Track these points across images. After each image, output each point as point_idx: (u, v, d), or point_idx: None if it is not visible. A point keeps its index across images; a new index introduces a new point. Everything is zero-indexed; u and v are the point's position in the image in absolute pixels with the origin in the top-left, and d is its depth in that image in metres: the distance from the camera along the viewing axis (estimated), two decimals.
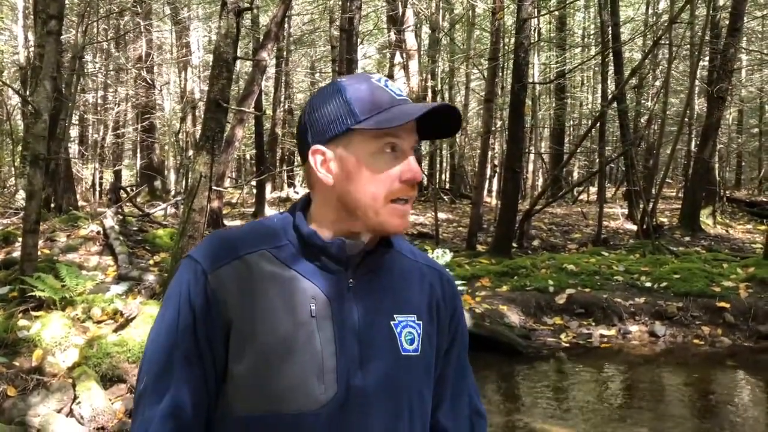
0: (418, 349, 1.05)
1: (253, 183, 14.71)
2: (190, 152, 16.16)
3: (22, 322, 4.35)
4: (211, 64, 5.53)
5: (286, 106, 19.95)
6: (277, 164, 18.04)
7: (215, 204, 10.19)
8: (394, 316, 1.04)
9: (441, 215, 12.87)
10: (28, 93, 8.97)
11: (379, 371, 1.01)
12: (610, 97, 11.53)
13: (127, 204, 10.72)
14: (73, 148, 17.88)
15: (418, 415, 1.06)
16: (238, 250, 1.02)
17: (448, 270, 1.32)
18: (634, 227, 11.68)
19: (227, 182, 12.37)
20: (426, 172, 18.04)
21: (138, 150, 18.91)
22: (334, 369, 0.97)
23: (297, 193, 17.63)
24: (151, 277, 5.72)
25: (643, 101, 15.73)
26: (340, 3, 12.41)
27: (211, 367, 0.99)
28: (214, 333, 0.98)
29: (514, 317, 6.25)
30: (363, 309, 1.02)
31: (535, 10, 11.15)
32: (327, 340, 0.98)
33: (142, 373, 1.01)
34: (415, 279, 1.10)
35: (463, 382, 1.18)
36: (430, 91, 19.23)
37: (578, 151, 17.02)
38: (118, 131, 19.15)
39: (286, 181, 19.64)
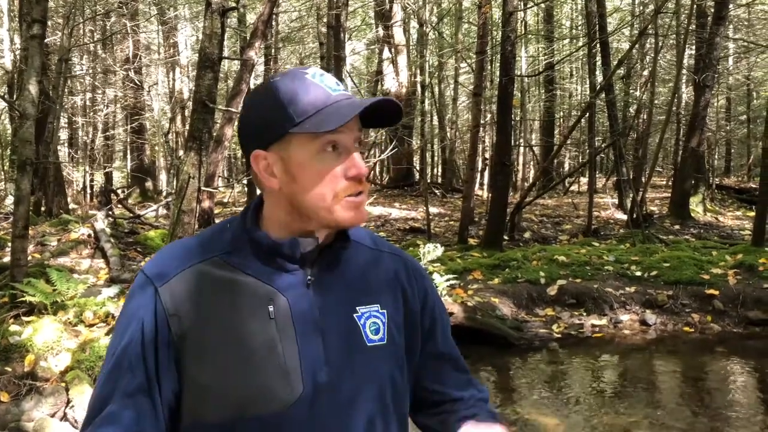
0: (384, 338, 1.05)
1: (245, 182, 14.68)
2: (181, 152, 16.13)
3: (13, 328, 4.35)
4: (197, 64, 5.52)
5: None
6: None
7: (206, 204, 10.18)
8: (357, 308, 1.04)
9: (432, 210, 12.91)
10: (15, 97, 8.93)
11: (346, 365, 1.00)
12: (598, 87, 11.57)
13: (119, 206, 10.70)
14: (63, 151, 17.80)
15: (393, 404, 1.06)
16: (189, 259, 1.01)
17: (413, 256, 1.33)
18: (625, 217, 11.74)
19: (218, 182, 12.35)
20: (417, 167, 18.07)
21: (128, 151, 18.85)
22: (298, 368, 0.97)
23: None
24: None
25: (631, 91, 15.78)
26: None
27: (157, 382, 0.96)
28: (164, 349, 0.97)
29: (506, 309, 6.28)
30: (324, 305, 1.01)
31: (522, 2, 11.17)
32: (288, 341, 0.98)
33: (93, 394, 0.98)
34: (376, 268, 1.10)
35: (456, 353, 1.21)
36: (419, 85, 19.26)
37: (568, 142, 17.08)
38: (107, 133, 19.07)
39: None
